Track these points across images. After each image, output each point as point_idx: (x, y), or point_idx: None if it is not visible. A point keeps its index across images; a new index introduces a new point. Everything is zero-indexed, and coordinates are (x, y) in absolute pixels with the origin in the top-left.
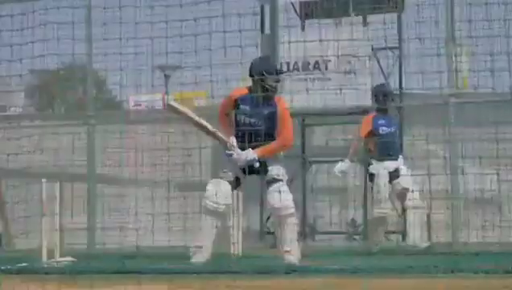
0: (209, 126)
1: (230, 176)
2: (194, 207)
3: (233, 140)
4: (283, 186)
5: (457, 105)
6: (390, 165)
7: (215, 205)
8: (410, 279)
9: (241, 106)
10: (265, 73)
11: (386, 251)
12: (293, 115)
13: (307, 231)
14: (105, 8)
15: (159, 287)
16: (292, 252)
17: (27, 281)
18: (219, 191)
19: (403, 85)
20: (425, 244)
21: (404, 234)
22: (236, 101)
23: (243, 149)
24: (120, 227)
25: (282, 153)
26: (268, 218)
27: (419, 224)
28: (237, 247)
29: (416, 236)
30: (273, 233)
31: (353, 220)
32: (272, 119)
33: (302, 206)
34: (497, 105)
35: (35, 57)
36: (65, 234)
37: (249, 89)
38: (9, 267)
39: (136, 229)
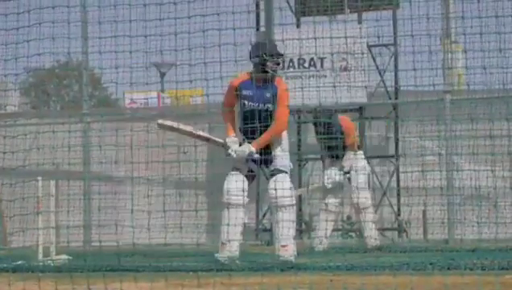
0: (202, 133)
1: (244, 169)
2: (190, 204)
3: (228, 140)
4: (285, 177)
5: (452, 102)
6: None
7: (235, 199)
8: (406, 276)
9: (243, 92)
10: (265, 56)
11: (382, 248)
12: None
13: (303, 228)
14: (99, 7)
15: (156, 285)
16: (288, 248)
17: (23, 279)
18: (236, 185)
19: (399, 82)
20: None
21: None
22: (237, 88)
23: (253, 134)
24: (116, 225)
25: (287, 143)
26: (264, 215)
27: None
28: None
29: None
30: (269, 230)
31: (348, 217)
32: (275, 101)
33: (298, 203)
34: (492, 102)
35: (30, 56)
36: (61, 231)
37: (250, 74)
38: (5, 265)
39: (132, 226)
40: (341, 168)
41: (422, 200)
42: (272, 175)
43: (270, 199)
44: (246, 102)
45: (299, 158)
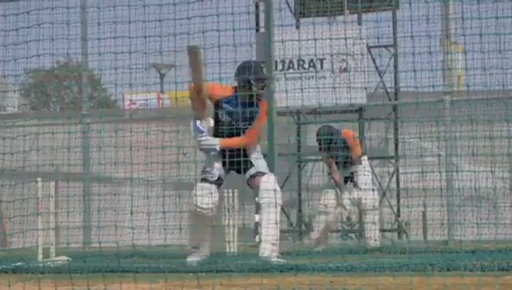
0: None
1: (214, 174)
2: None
3: (211, 121)
4: (273, 177)
5: (452, 103)
6: None
7: (201, 211)
8: (406, 277)
9: (224, 105)
10: (251, 80)
11: (382, 249)
12: (288, 114)
13: (302, 229)
14: (98, 8)
15: (155, 286)
16: (270, 247)
17: (23, 280)
18: (204, 195)
19: (398, 83)
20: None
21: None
22: (218, 100)
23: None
24: (115, 226)
25: (259, 151)
26: None
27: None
28: (232, 245)
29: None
30: None
31: (348, 218)
32: (253, 121)
33: (297, 204)
34: (491, 103)
35: (30, 57)
36: (61, 232)
37: (234, 89)
38: (4, 266)
39: (131, 227)
40: (355, 184)
41: (421, 201)
42: (255, 176)
43: (260, 192)
44: (225, 116)
45: (299, 159)
